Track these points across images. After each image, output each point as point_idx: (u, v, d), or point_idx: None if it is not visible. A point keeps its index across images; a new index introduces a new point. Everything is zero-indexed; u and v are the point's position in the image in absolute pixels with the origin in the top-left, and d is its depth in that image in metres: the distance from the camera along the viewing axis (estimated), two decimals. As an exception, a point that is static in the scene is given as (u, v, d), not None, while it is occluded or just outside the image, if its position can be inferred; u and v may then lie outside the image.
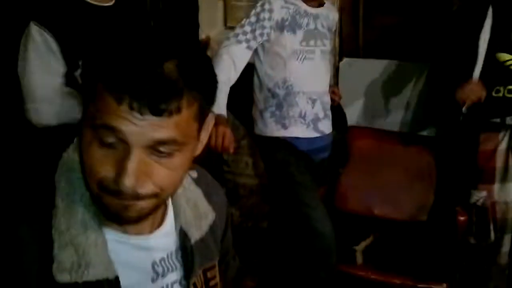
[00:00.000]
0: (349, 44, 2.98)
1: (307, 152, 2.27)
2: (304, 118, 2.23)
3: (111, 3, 1.91)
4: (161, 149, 0.76)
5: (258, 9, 2.15)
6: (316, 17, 2.22)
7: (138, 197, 0.77)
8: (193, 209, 0.99)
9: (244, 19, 2.17)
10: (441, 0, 2.80)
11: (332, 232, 2.16)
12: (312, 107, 2.23)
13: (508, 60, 2.24)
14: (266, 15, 2.13)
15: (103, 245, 0.84)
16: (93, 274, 0.81)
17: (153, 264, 0.92)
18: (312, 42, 2.21)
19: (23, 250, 0.79)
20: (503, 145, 2.29)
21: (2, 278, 0.78)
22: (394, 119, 2.87)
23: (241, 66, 2.13)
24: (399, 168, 2.65)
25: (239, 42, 2.13)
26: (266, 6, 2.14)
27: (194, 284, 0.98)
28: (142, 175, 0.76)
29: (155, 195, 0.79)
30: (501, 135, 2.28)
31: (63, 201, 0.83)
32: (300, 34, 2.17)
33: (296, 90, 2.20)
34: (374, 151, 2.70)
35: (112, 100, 0.73)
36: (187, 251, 0.96)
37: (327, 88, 2.33)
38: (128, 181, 0.75)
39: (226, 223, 1.12)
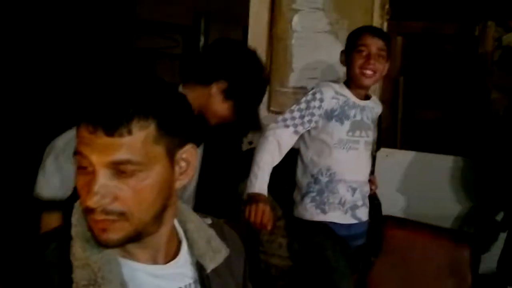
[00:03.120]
0: (387, 135, 3.06)
1: (344, 238, 2.30)
2: (343, 205, 2.27)
3: None
4: (122, 168, 0.86)
5: (309, 97, 2.23)
6: (362, 109, 2.30)
7: (105, 211, 0.87)
8: (206, 244, 1.05)
9: (294, 105, 2.24)
10: (479, 97, 2.88)
11: None
12: (352, 195, 2.28)
13: None
14: (317, 103, 2.21)
15: (116, 264, 0.92)
16: None
17: None
18: (357, 133, 2.28)
19: (48, 275, 0.89)
20: None
21: None
22: (429, 211, 2.87)
23: (285, 149, 2.19)
24: (432, 263, 2.63)
25: (287, 126, 2.19)
26: (318, 96, 2.22)
27: None
28: (108, 193, 0.87)
29: (122, 214, 0.88)
30: None
31: (78, 231, 0.93)
32: (347, 124, 2.25)
33: (338, 178, 2.25)
34: (407, 243, 2.69)
35: (80, 128, 0.88)
36: (204, 282, 1.02)
37: (367, 178, 2.38)
38: (95, 198, 0.86)
39: (245, 268, 1.18)
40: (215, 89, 1.96)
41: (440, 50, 3.00)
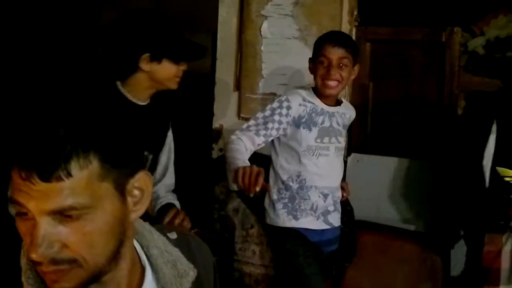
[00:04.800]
0: (357, 140, 3.07)
1: (317, 244, 2.29)
2: (315, 211, 2.27)
3: (146, 103, 2.00)
4: (66, 213, 0.77)
5: (276, 104, 2.22)
6: (332, 115, 2.30)
7: (54, 262, 0.78)
8: (172, 269, 0.98)
9: (259, 112, 2.24)
10: (447, 101, 2.93)
11: None
12: (324, 201, 2.28)
13: (508, 177, 2.31)
14: (284, 111, 2.20)
15: None
16: None
17: None
18: (326, 139, 2.27)
19: None
20: (507, 247, 2.31)
21: None
22: (401, 216, 2.90)
23: (251, 148, 2.15)
24: (404, 267, 2.65)
25: (249, 131, 2.18)
26: (284, 104, 2.21)
27: None
28: (54, 242, 0.77)
29: (74, 261, 0.79)
30: (505, 236, 2.31)
31: (29, 277, 0.83)
32: (315, 131, 2.24)
33: (309, 185, 2.25)
34: (380, 248, 2.71)
35: (13, 174, 0.77)
36: None
37: (339, 183, 2.38)
38: (39, 251, 0.76)
39: (214, 279, 1.12)
40: (145, 63, 1.91)
41: (407, 55, 3.03)
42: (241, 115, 3.09)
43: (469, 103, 2.73)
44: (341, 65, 2.21)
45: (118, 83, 1.96)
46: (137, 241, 0.98)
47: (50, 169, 0.75)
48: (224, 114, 3.14)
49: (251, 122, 2.21)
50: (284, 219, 2.27)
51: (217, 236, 2.02)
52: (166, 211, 2.00)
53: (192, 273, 1.00)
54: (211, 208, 2.86)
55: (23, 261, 0.85)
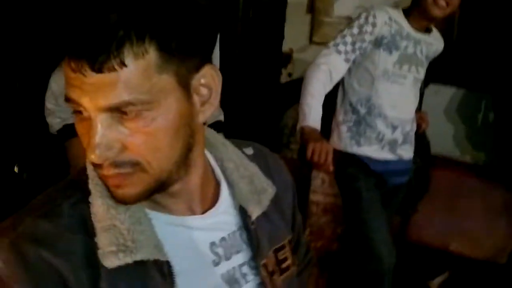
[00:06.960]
0: (438, 70, 2.88)
1: (380, 174, 2.18)
2: (380, 141, 2.15)
3: None
4: (123, 110, 0.69)
5: (362, 20, 2.07)
6: (417, 42, 2.13)
7: (115, 164, 0.72)
8: (249, 184, 0.91)
9: (346, 29, 2.09)
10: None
11: (391, 258, 2.06)
12: (392, 133, 2.15)
13: None
14: (369, 28, 2.06)
15: (148, 223, 0.78)
16: (142, 254, 0.75)
17: (211, 245, 0.85)
18: (406, 67, 2.12)
19: (70, 239, 0.74)
20: None
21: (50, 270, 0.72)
22: (476, 151, 2.76)
23: (337, 78, 2.07)
24: (479, 205, 2.54)
25: (339, 52, 2.06)
26: (370, 19, 2.06)
27: (265, 266, 0.91)
28: (113, 143, 0.71)
29: (136, 164, 0.73)
30: None
31: (97, 185, 0.78)
32: (395, 55, 2.09)
33: (377, 112, 2.12)
34: (454, 184, 2.60)
35: (65, 67, 0.70)
36: (249, 229, 0.89)
37: (412, 116, 2.23)
38: (97, 151, 0.70)
39: (293, 201, 1.04)
40: None
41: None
42: (313, 39, 2.95)
43: None
44: None
45: None
46: (211, 154, 0.92)
47: (101, 57, 0.67)
48: (295, 38, 3.01)
49: (339, 40, 2.07)
50: (346, 143, 2.17)
51: (291, 162, 1.94)
52: None
53: (271, 190, 0.93)
54: (280, 134, 2.78)
55: (89, 169, 0.79)
